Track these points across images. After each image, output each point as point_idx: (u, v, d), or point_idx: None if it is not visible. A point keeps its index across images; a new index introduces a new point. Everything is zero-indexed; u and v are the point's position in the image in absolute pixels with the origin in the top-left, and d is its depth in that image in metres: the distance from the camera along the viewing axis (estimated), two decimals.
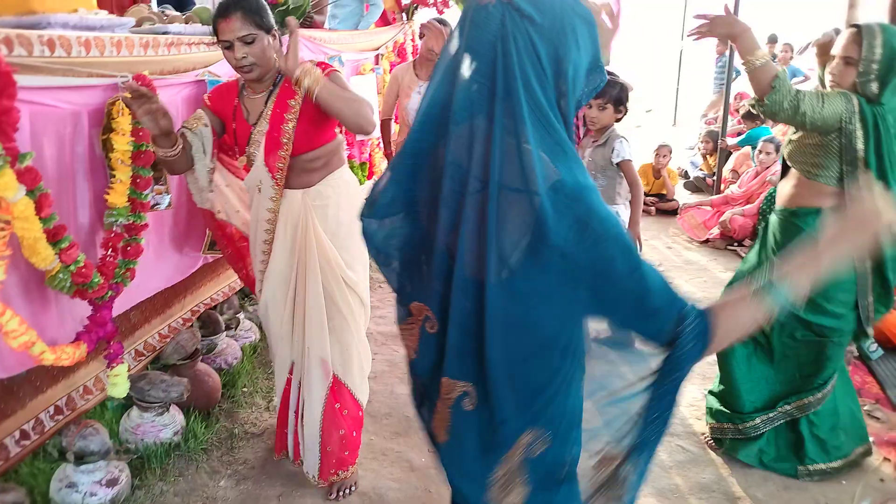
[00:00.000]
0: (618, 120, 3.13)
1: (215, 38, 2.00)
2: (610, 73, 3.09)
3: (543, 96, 1.04)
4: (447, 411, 1.20)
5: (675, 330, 1.02)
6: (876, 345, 3.49)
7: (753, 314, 1.04)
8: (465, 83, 1.06)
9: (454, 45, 1.09)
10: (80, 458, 2.17)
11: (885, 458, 2.69)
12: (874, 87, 2.20)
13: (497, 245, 1.04)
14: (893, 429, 2.89)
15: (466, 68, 1.06)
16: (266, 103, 2.09)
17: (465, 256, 1.07)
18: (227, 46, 1.97)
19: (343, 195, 2.21)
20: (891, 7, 2.85)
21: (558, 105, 1.06)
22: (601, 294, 1.03)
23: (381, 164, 4.81)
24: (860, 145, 2.22)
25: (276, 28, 2.04)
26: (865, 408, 3.04)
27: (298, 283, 2.19)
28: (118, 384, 2.02)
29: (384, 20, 5.45)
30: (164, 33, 2.30)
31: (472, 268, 1.06)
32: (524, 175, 1.01)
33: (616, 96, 3.10)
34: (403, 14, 5.76)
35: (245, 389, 3.00)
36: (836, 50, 2.28)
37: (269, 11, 2.02)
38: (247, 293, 3.72)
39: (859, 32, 2.21)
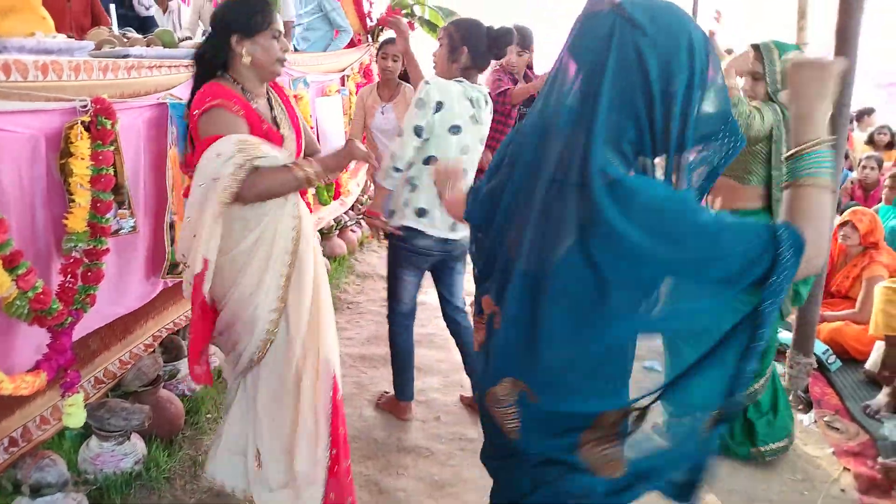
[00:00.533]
0: None
1: (264, 24, 1.92)
2: None
3: (641, 115, 1.01)
4: (512, 410, 1.18)
5: (771, 248, 0.96)
6: (834, 357, 3.58)
7: (821, 194, 1.02)
8: (568, 93, 1.04)
9: (563, 55, 1.08)
10: (36, 491, 2.10)
11: (846, 468, 2.75)
12: (784, 95, 2.44)
13: (554, 236, 1.05)
14: (853, 439, 2.96)
15: (571, 78, 1.04)
16: (272, 109, 2.07)
17: (526, 250, 1.09)
18: (276, 36, 1.96)
19: None
20: (837, 23, 3.01)
21: (665, 126, 1.02)
22: (689, 256, 0.98)
23: (349, 184, 4.82)
24: (785, 149, 2.45)
25: None
26: (825, 419, 3.11)
27: (319, 286, 2.16)
28: (74, 414, 1.97)
29: (349, 42, 5.48)
30: (125, 56, 2.29)
31: (531, 261, 1.09)
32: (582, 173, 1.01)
33: None
34: (368, 36, 5.82)
35: (209, 415, 2.94)
36: (743, 68, 2.63)
37: None
38: None
39: (758, 50, 2.58)
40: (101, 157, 1.94)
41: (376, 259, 5.56)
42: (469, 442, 2.89)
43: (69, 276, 1.93)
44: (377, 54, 3.93)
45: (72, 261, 1.93)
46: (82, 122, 1.89)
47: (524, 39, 3.88)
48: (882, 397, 3.15)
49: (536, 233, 1.08)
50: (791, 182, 1.05)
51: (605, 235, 0.99)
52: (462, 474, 2.67)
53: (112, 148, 1.99)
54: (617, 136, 1.03)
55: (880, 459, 2.71)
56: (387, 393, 3.23)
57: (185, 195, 2.33)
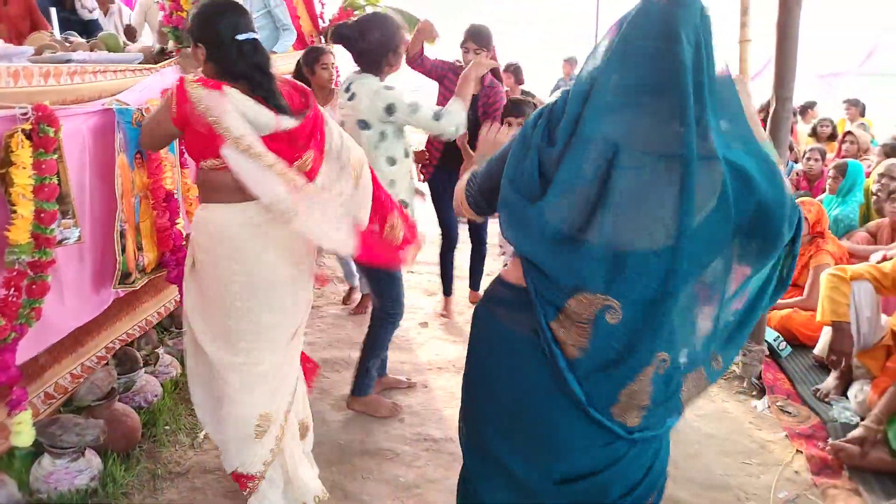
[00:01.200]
0: None
1: None
2: (526, 93, 3.21)
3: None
4: (587, 326, 1.24)
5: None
6: (785, 343, 3.69)
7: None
8: (668, 70, 1.15)
9: (650, 31, 1.17)
10: None
11: (798, 451, 2.84)
12: None
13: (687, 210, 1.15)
14: (804, 422, 3.06)
15: (670, 56, 1.14)
16: None
17: (662, 227, 1.17)
18: None
19: None
20: (778, 19, 3.09)
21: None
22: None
23: None
24: None
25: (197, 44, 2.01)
26: (778, 403, 3.21)
27: None
28: (23, 432, 1.91)
29: (302, 43, 5.42)
30: (67, 61, 2.22)
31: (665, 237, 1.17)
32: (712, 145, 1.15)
33: None
34: (322, 37, 5.76)
35: (167, 427, 2.88)
36: None
37: (196, 24, 2.00)
38: (165, 326, 3.57)
39: None
40: (43, 166, 1.89)
41: (335, 262, 5.51)
42: (434, 442, 2.90)
43: (12, 289, 1.87)
44: (314, 65, 3.94)
45: (15, 274, 1.87)
46: (23, 131, 1.84)
47: (481, 38, 3.89)
48: (830, 381, 3.26)
49: (690, 203, 1.15)
50: None
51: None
52: (428, 475, 2.67)
53: (55, 156, 1.93)
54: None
55: (830, 441, 2.81)
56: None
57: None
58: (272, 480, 2.21)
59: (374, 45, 2.81)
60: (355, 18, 2.91)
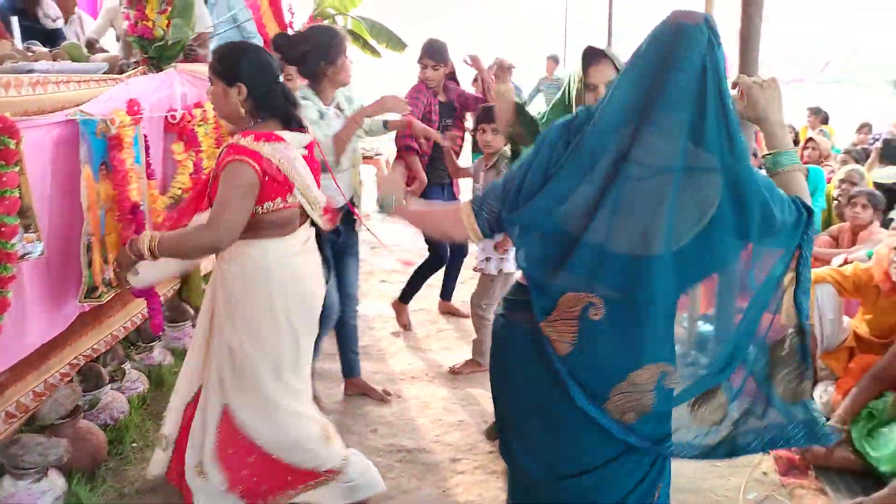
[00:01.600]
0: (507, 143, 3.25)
1: None
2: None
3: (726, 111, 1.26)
4: (574, 322, 1.31)
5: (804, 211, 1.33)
6: None
7: (802, 176, 1.51)
8: (667, 92, 1.23)
9: (655, 56, 1.26)
10: None
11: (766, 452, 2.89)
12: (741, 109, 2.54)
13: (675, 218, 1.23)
14: None
15: (670, 79, 1.23)
16: None
17: (665, 233, 1.23)
18: None
19: None
20: (740, 29, 3.14)
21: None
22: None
23: None
24: None
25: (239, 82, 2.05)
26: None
27: None
28: None
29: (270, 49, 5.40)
30: (29, 72, 2.18)
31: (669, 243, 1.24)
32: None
33: None
34: None
35: (135, 444, 2.81)
36: (597, 79, 2.21)
37: (237, 65, 2.06)
38: (132, 341, 3.49)
39: (608, 57, 2.23)
40: (4, 179, 1.84)
41: None
42: (407, 453, 2.88)
43: None
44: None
45: None
46: None
47: (437, 53, 3.89)
48: None
49: (677, 215, 1.22)
50: (781, 169, 1.44)
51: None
52: (401, 486, 2.66)
53: (16, 168, 1.89)
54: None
55: None
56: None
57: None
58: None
59: (303, 56, 2.80)
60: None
